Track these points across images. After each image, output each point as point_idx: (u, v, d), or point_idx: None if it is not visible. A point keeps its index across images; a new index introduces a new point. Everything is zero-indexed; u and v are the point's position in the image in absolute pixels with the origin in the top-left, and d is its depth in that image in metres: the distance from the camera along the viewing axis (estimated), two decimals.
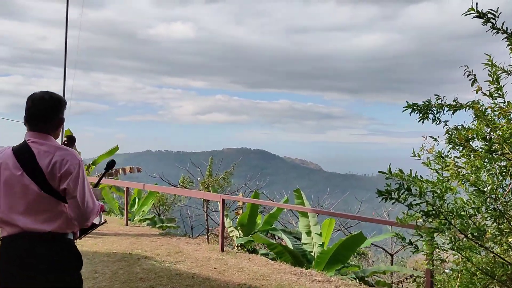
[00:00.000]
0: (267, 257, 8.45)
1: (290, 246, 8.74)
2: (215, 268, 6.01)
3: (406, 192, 2.89)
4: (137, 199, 13.90)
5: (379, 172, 2.91)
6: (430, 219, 2.98)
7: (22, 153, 2.37)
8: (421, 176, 3.01)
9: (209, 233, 13.82)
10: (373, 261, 13.67)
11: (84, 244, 7.15)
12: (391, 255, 12.50)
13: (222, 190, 18.63)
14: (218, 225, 12.49)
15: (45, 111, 2.43)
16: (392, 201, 2.89)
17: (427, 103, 3.40)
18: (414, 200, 2.91)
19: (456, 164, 3.04)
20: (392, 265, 11.53)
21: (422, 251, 3.08)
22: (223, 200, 7.27)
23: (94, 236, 7.90)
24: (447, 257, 3.12)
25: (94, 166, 15.30)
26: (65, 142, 8.79)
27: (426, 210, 2.93)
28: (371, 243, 10.80)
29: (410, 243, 3.11)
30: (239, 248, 10.67)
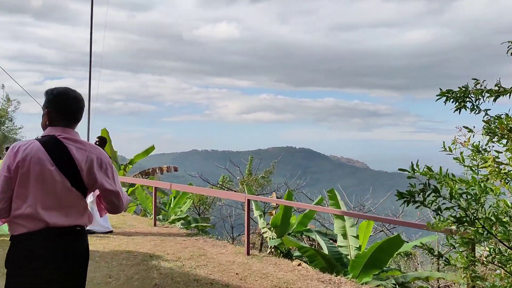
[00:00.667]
0: (301, 259, 8.00)
1: (325, 249, 8.25)
2: (237, 274, 5.62)
3: (433, 194, 2.39)
4: (172, 199, 13.74)
5: (399, 169, 2.42)
6: (464, 227, 2.46)
7: (54, 148, 2.37)
8: (452, 175, 2.50)
9: (249, 232, 13.46)
10: (420, 263, 12.87)
11: (106, 246, 6.97)
12: (438, 258, 11.66)
13: (262, 189, 18.33)
14: (257, 224, 12.22)
15: (79, 110, 2.53)
16: (415, 204, 2.40)
17: (463, 89, 2.87)
18: (444, 203, 2.40)
19: (497, 159, 2.50)
20: (439, 268, 10.76)
21: (455, 265, 2.56)
22: (248, 200, 6.87)
23: (121, 237, 7.72)
24: (484, 273, 2.58)
25: (130, 166, 15.31)
26: (96, 143, 8.69)
27: (459, 215, 2.41)
28: (415, 245, 10.07)
29: (440, 255, 2.60)
30: (273, 249, 10.26)
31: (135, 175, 14.89)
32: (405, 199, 2.38)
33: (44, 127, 2.50)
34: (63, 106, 2.46)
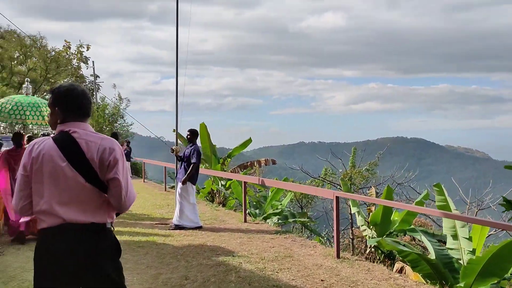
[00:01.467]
0: (405, 263, 7.13)
1: (432, 252, 7.25)
2: (322, 280, 5.02)
3: None
4: (269, 193, 13.44)
5: (505, 167, 1.68)
6: None
7: (66, 144, 2.39)
8: None
9: (353, 227, 12.72)
10: None
11: (192, 243, 6.79)
12: None
13: (366, 182, 17.34)
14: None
15: (88, 104, 2.54)
16: None
17: None
18: None
19: None
20: None
21: None
22: (337, 197, 6.19)
23: (208, 233, 7.53)
24: None
25: (229, 159, 15.26)
26: (188, 136, 8.61)
27: None
28: None
29: None
30: (373, 249, 9.43)
31: (234, 168, 14.85)
32: None
33: (54, 125, 2.52)
34: (72, 102, 2.48)
